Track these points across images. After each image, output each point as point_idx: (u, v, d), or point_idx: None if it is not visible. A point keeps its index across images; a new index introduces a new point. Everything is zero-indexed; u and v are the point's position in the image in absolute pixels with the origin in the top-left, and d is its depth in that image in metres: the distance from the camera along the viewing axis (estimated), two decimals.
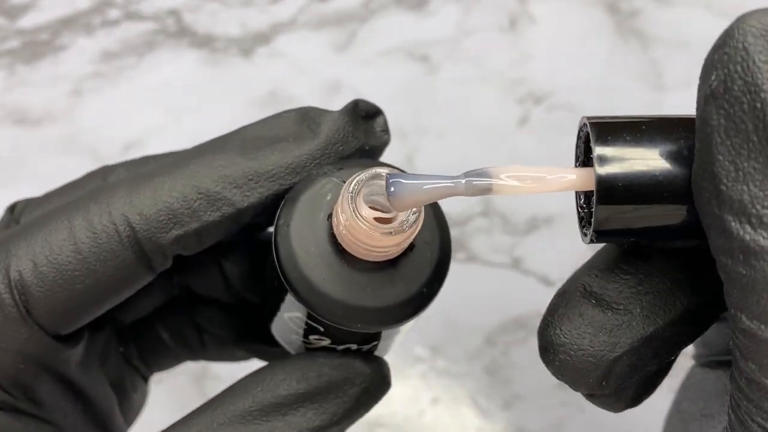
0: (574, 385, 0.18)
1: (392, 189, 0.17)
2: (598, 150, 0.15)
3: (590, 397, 0.20)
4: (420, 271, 0.19)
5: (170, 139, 0.48)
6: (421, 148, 0.47)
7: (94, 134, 0.49)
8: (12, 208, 0.22)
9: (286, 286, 0.19)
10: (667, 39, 0.52)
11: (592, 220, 0.16)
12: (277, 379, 0.20)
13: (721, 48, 0.14)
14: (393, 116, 0.49)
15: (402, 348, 0.42)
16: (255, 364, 0.22)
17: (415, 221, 0.18)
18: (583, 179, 0.16)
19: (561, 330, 0.17)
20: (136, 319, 0.24)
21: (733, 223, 0.14)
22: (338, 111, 0.20)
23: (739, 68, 0.13)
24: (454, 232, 0.46)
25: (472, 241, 0.45)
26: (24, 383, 0.19)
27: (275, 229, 0.19)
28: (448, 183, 0.17)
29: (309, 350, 0.21)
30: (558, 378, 0.18)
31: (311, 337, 0.20)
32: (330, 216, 0.19)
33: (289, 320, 0.21)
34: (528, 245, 0.44)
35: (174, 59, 0.52)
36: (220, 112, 0.48)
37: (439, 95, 0.50)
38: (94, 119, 0.50)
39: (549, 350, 0.18)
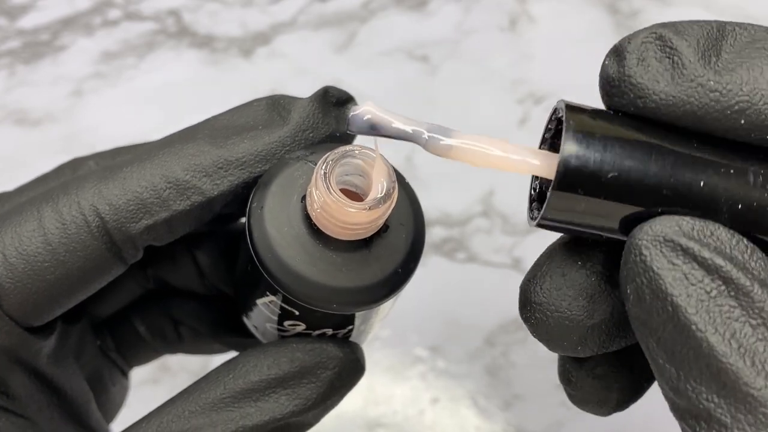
0: (549, 346, 0.18)
1: (357, 113, 0.17)
2: (568, 140, 0.16)
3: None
4: (395, 251, 0.19)
5: None
6: (421, 148, 0.47)
7: (94, 134, 0.49)
8: None
9: (260, 269, 0.19)
10: None
11: (545, 205, 0.16)
12: (248, 366, 0.20)
13: (625, 264, 0.15)
14: None
15: (402, 348, 0.42)
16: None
17: (389, 196, 0.18)
18: (545, 167, 0.16)
19: (541, 288, 0.17)
20: (112, 313, 0.24)
21: (689, 422, 0.14)
22: (308, 98, 0.20)
23: (644, 280, 0.14)
24: (454, 232, 0.46)
25: (472, 241, 0.45)
26: None
27: (248, 212, 0.19)
28: (411, 129, 0.17)
29: (283, 338, 0.21)
30: (534, 336, 0.18)
31: (286, 323, 0.20)
32: (304, 198, 0.19)
33: (263, 306, 0.20)
34: (528, 245, 0.44)
35: (174, 59, 0.52)
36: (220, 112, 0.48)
37: (439, 95, 0.50)
38: (94, 119, 0.50)
39: (527, 307, 0.18)
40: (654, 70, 0.15)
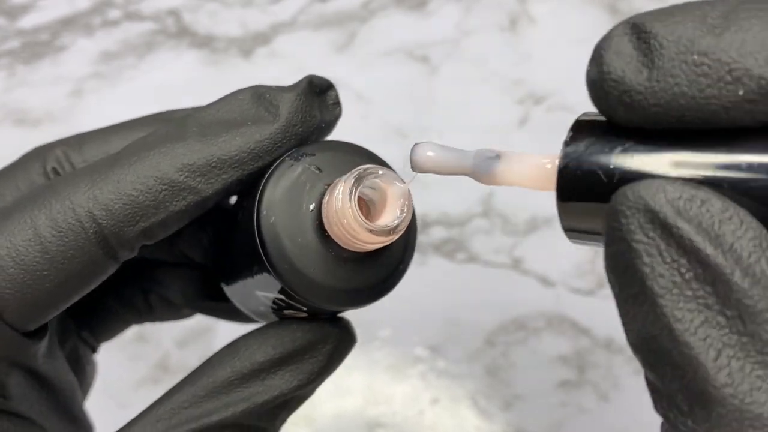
0: None
1: (419, 153, 0.18)
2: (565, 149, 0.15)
3: None
4: (396, 249, 0.20)
5: None
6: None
7: None
8: None
9: (280, 283, 0.19)
10: None
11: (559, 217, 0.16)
12: (252, 348, 0.20)
13: (606, 226, 0.14)
14: (393, 116, 0.49)
15: (402, 348, 0.42)
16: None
17: (407, 221, 0.19)
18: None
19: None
20: None
21: (654, 395, 0.14)
22: (294, 91, 0.20)
23: (619, 248, 0.13)
24: (454, 233, 0.46)
25: (472, 241, 0.45)
26: None
27: (258, 221, 0.19)
28: (460, 160, 0.17)
29: (280, 318, 0.22)
30: None
31: (286, 312, 0.21)
32: (313, 207, 0.19)
33: (263, 298, 0.21)
34: (528, 245, 0.44)
35: (174, 59, 0.52)
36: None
37: (439, 95, 0.50)
38: (94, 119, 0.50)
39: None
40: (634, 60, 0.14)
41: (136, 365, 0.39)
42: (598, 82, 0.14)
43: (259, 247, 0.19)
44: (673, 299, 0.12)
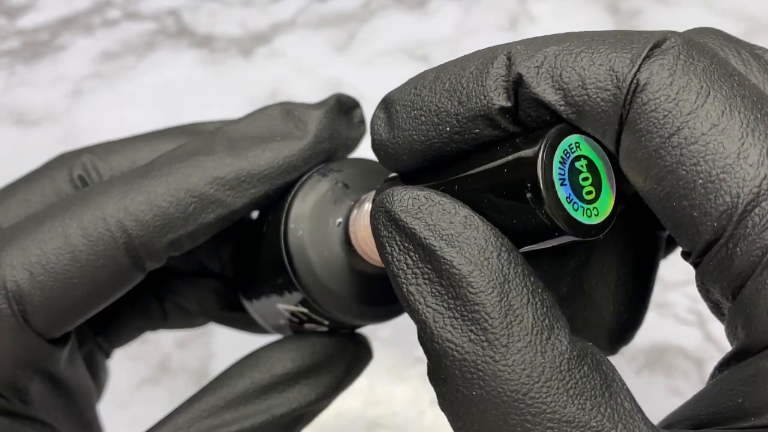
0: None
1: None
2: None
3: None
4: None
5: None
6: None
7: (93, 134, 0.49)
8: None
9: (306, 296, 0.19)
10: None
11: None
12: (272, 360, 0.20)
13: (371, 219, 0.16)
14: None
15: (402, 348, 0.41)
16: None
17: None
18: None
19: None
20: None
21: None
22: (322, 108, 0.21)
23: (377, 244, 0.16)
24: None
25: None
26: (19, 387, 0.19)
27: (285, 234, 0.19)
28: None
29: (299, 332, 0.22)
30: None
31: (307, 326, 0.21)
32: (340, 222, 0.19)
33: (285, 311, 0.21)
34: None
35: (174, 59, 0.52)
36: (220, 112, 0.48)
37: None
38: (93, 119, 0.50)
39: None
40: (386, 126, 0.17)
41: (137, 366, 0.39)
42: (372, 145, 0.17)
43: (286, 260, 0.19)
44: (407, 278, 0.15)
